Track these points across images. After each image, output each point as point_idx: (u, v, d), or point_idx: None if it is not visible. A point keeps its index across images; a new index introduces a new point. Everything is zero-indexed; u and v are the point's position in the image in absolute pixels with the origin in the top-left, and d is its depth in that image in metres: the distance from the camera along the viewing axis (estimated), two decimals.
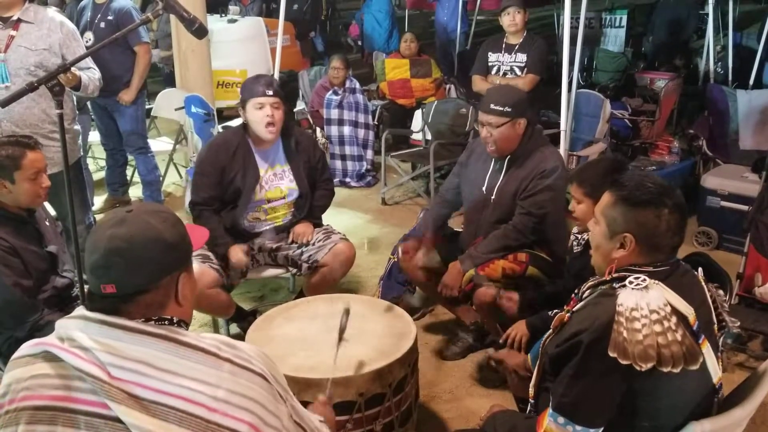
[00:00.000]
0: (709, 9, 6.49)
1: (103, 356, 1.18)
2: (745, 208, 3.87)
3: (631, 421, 1.57)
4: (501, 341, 2.48)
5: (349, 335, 2.31)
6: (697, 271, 1.71)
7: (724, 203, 4.22)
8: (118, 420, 1.17)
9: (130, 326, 1.22)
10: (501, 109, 2.74)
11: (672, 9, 8.09)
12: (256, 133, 3.02)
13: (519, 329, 2.41)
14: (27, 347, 1.27)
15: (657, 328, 1.47)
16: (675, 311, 1.51)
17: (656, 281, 1.54)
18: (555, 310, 2.39)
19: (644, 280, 1.54)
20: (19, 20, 3.18)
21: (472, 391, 2.94)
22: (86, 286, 1.33)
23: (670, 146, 5.24)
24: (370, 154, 5.73)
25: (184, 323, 1.32)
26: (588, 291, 1.69)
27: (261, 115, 2.95)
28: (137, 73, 4.59)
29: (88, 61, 3.34)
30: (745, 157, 4.73)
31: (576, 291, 1.76)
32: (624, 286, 1.55)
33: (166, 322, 1.27)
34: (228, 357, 1.25)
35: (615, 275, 1.60)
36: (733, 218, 4.09)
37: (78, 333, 1.21)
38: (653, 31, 8.37)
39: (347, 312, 2.06)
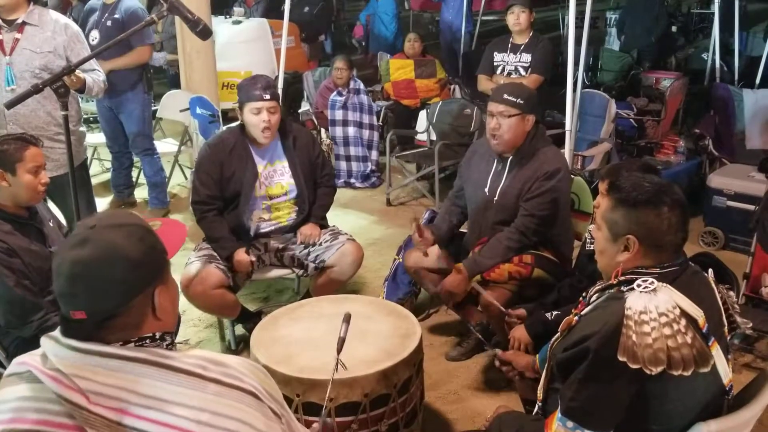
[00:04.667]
0: (715, 8, 6.46)
1: (81, 382, 1.13)
2: (751, 207, 3.85)
3: (639, 425, 1.56)
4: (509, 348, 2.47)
5: (353, 336, 2.32)
6: (707, 272, 1.70)
7: (730, 203, 4.20)
8: None
9: (106, 352, 1.16)
10: (514, 100, 2.75)
11: (641, 10, 8.00)
12: (253, 136, 3.05)
13: (520, 337, 2.41)
14: (15, 365, 1.23)
15: (666, 331, 1.46)
16: (684, 314, 1.49)
17: (664, 284, 1.53)
18: (555, 312, 2.39)
19: (652, 282, 1.52)
20: (23, 23, 3.19)
21: (478, 392, 2.93)
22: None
23: (675, 146, 5.22)
24: (374, 154, 5.74)
25: (168, 334, 1.26)
26: (595, 295, 1.68)
27: (257, 120, 2.97)
28: (120, 59, 4.43)
29: (93, 63, 3.36)
30: (751, 157, 4.71)
31: (584, 294, 1.75)
32: (632, 289, 1.54)
33: (147, 341, 1.21)
34: (214, 377, 1.20)
35: (622, 278, 1.59)
36: (740, 218, 4.07)
37: (54, 357, 1.17)
38: (624, 31, 8.28)
39: (347, 319, 2.05)
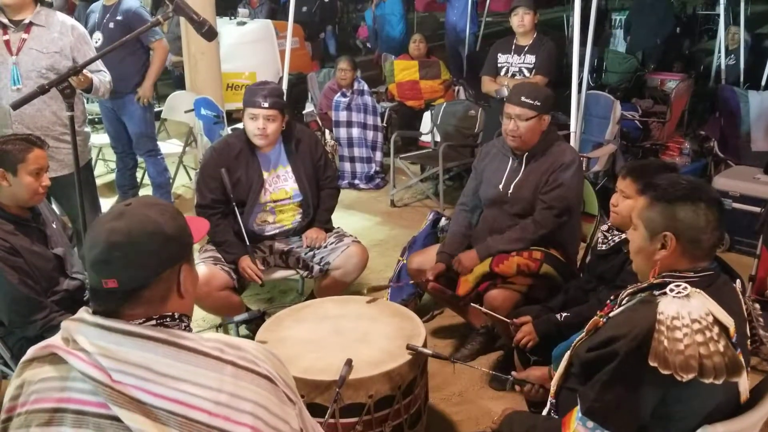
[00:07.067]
0: (720, 9, 6.45)
1: (104, 360, 1.18)
2: (757, 209, 3.84)
3: (654, 428, 1.54)
4: (513, 345, 2.46)
5: (357, 338, 2.32)
6: (735, 282, 1.68)
7: (735, 205, 4.19)
8: (119, 419, 1.17)
9: (129, 330, 1.21)
10: (532, 102, 2.80)
11: (648, 11, 7.96)
12: (251, 140, 3.05)
13: (528, 334, 2.40)
14: (35, 349, 1.27)
15: (699, 338, 1.43)
16: (717, 321, 1.47)
17: (698, 290, 1.51)
18: (565, 314, 2.38)
19: (685, 288, 1.50)
20: (30, 23, 3.21)
21: (482, 393, 2.92)
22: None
23: (681, 148, 5.21)
24: (378, 156, 5.73)
25: (186, 317, 1.31)
26: (627, 298, 1.66)
27: (252, 126, 2.98)
28: (153, 68, 4.61)
29: (99, 64, 3.37)
30: (756, 159, 4.70)
31: (612, 297, 1.73)
32: (664, 293, 1.52)
33: (168, 320, 1.26)
34: (231, 359, 1.23)
35: (655, 281, 1.57)
36: (745, 220, 4.05)
37: (79, 336, 1.21)
38: (630, 32, 8.22)
39: (350, 363, 2.07)
